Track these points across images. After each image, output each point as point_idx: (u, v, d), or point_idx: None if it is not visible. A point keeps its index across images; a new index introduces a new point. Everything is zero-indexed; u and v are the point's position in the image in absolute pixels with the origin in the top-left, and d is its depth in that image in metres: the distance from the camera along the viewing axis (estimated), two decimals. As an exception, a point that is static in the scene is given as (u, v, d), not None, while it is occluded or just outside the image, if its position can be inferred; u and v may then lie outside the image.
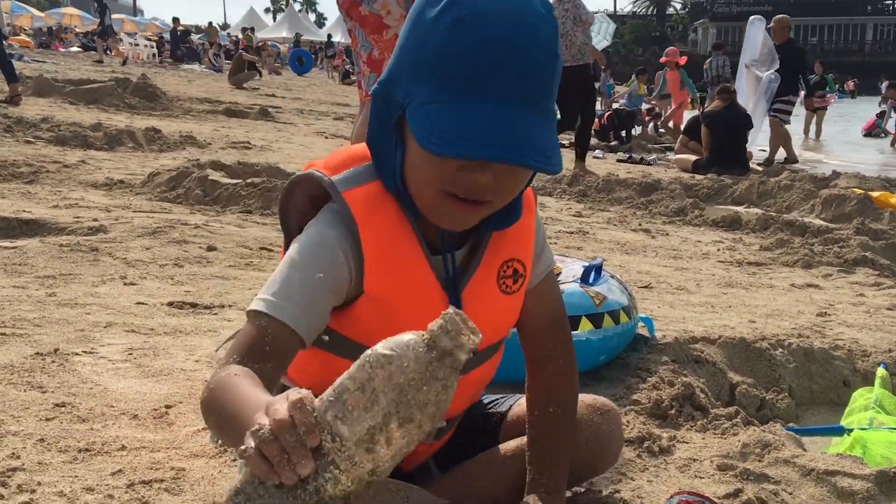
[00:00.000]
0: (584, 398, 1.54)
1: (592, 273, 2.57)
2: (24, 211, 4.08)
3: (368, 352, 0.90)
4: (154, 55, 29.31)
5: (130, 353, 2.34)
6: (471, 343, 0.90)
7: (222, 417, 1.03)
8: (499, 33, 1.09)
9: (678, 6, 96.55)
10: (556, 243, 4.73)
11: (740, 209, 6.51)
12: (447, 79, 1.11)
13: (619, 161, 10.58)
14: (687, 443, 1.99)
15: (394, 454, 0.89)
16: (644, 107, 16.47)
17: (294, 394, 0.87)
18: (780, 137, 11.51)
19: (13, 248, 3.47)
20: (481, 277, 1.33)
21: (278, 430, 0.84)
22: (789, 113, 11.56)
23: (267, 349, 1.14)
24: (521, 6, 1.11)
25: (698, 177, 8.39)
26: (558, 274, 2.67)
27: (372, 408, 0.87)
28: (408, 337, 0.91)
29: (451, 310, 0.91)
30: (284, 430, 0.84)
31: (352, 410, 0.87)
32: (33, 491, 1.51)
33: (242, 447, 0.86)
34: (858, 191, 6.47)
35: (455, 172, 1.14)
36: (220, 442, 1.77)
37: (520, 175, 1.19)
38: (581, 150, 8.63)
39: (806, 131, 16.49)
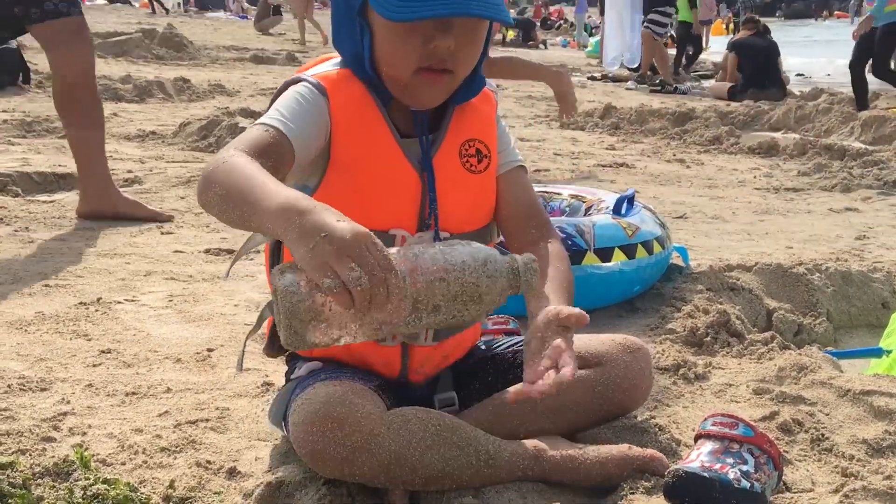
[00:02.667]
0: (615, 338, 1.56)
1: (624, 204, 2.56)
2: (59, 165, 4.14)
3: (458, 251, 1.13)
4: (179, 4, 29.18)
5: (171, 300, 2.39)
6: (534, 282, 1.18)
7: (232, 188, 1.16)
8: None
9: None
10: (588, 177, 4.70)
11: (777, 135, 6.39)
12: None
13: (652, 91, 10.40)
14: (723, 369, 1.99)
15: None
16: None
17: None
18: (651, 51, 10.69)
19: (51, 201, 3.53)
20: (444, 155, 1.44)
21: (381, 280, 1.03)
22: (665, 25, 10.59)
23: (268, 147, 1.28)
24: None
25: (734, 103, 8.24)
26: (589, 207, 2.66)
27: (440, 295, 1.10)
28: (495, 255, 1.16)
29: (531, 258, 1.17)
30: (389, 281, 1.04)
31: (428, 292, 1.09)
32: (84, 433, 1.56)
33: (330, 283, 1.03)
34: (899, 111, 6.32)
35: (422, 46, 1.30)
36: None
37: (477, 37, 1.35)
38: None
39: None
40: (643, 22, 10.56)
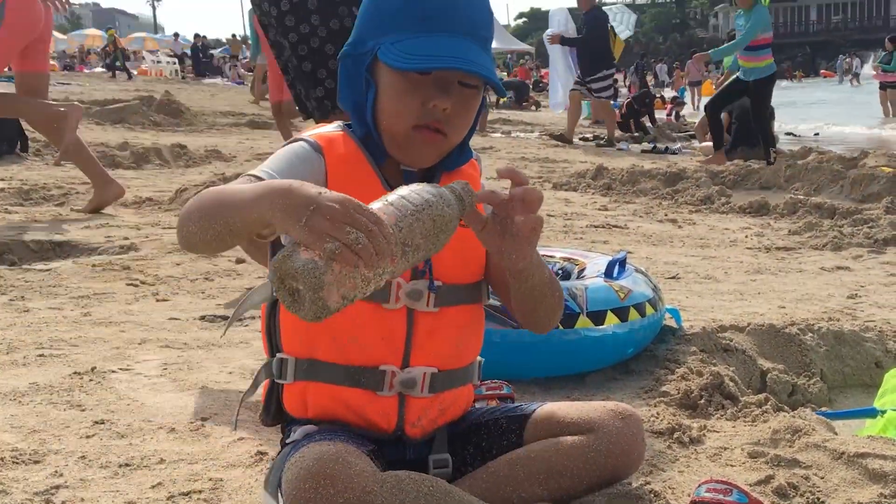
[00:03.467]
0: (606, 404, 1.58)
1: (616, 267, 2.58)
2: (56, 233, 4.17)
3: (417, 193, 1.22)
4: (176, 71, 29.65)
5: (165, 368, 2.39)
6: (473, 200, 1.32)
7: (209, 205, 1.26)
8: None
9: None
10: (582, 238, 4.74)
11: (768, 194, 6.46)
12: (411, 22, 1.41)
13: (643, 152, 10.53)
14: (717, 432, 2.00)
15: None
16: (668, 94, 16.37)
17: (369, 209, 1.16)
18: (613, 118, 11.25)
19: (47, 270, 3.55)
20: None
21: (374, 235, 1.12)
22: (609, 87, 10.86)
23: None
24: None
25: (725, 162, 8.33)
26: (582, 270, 2.68)
27: (419, 233, 1.20)
28: (440, 189, 1.27)
29: (462, 181, 1.32)
30: (378, 235, 1.12)
31: (410, 233, 1.18)
32: (77, 507, 1.56)
33: (332, 245, 1.10)
34: (887, 169, 6.39)
35: (421, 105, 1.41)
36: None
37: (470, 105, 1.47)
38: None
39: (885, 112, 16.54)
40: (592, 93, 10.81)
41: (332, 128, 1.57)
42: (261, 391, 1.61)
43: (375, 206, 1.21)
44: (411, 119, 1.43)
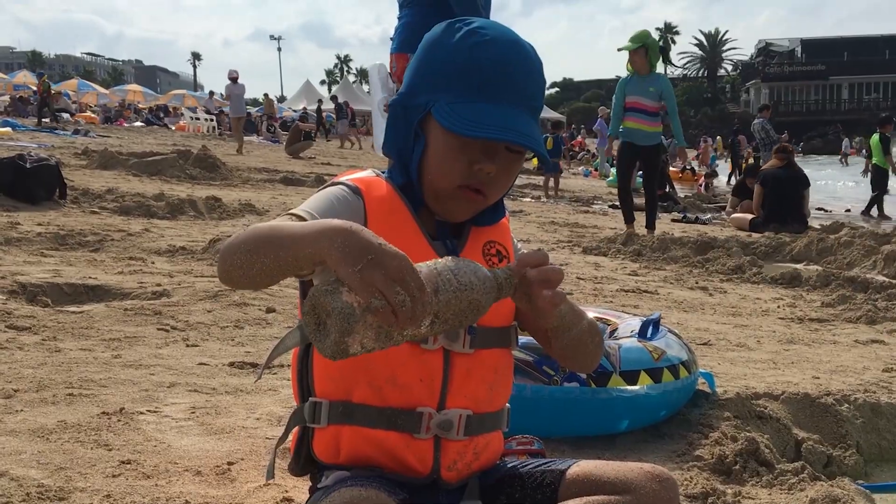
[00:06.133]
0: (644, 466, 1.54)
1: (650, 327, 2.55)
2: (90, 277, 4.21)
3: (465, 273, 1.23)
4: (214, 128, 30.23)
5: (193, 412, 2.38)
6: (511, 292, 1.33)
7: (261, 238, 1.26)
8: (508, 55, 1.44)
9: (729, 67, 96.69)
10: (612, 301, 4.71)
11: (800, 266, 6.41)
12: (468, 87, 1.43)
13: (673, 220, 10.51)
14: (752, 499, 1.94)
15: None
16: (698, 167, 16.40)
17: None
18: None
19: (80, 312, 3.58)
20: (470, 254, 1.53)
21: (416, 299, 1.13)
22: None
23: None
24: (518, 39, 1.48)
25: (755, 235, 8.29)
26: (615, 330, 2.66)
27: (452, 310, 1.22)
28: (487, 274, 1.28)
29: (508, 268, 1.32)
30: (419, 301, 1.14)
31: (445, 307, 1.20)
32: (101, 544, 1.54)
33: (378, 302, 1.11)
34: (922, 246, 6.32)
35: (467, 166, 1.44)
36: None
37: (513, 169, 1.51)
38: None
39: None
40: None
41: (367, 173, 1.58)
42: (289, 439, 1.59)
43: (423, 267, 1.22)
44: (457, 179, 1.46)
